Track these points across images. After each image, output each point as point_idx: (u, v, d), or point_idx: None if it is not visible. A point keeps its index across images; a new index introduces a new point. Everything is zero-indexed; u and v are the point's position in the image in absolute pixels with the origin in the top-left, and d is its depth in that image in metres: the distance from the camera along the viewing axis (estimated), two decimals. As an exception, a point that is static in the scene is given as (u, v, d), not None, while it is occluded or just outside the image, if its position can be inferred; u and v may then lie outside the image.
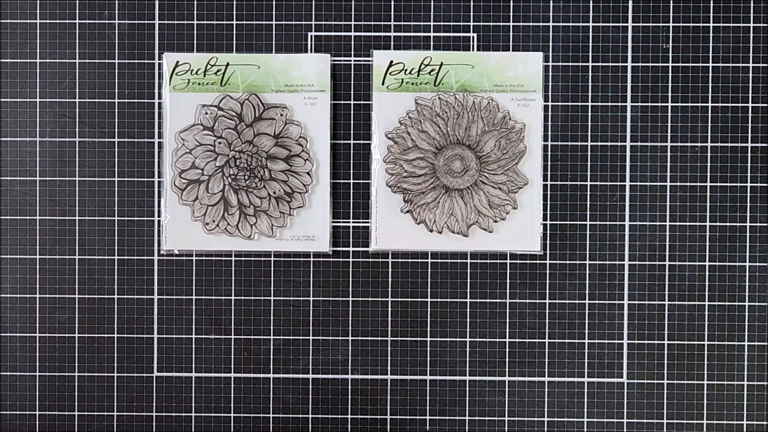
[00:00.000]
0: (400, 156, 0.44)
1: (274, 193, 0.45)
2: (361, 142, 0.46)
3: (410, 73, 0.45)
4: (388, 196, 0.45)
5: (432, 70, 0.45)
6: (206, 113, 0.44)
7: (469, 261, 0.46)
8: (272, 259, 0.46)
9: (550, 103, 0.45)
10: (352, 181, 0.46)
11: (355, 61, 0.46)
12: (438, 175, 0.44)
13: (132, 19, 0.46)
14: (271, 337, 0.46)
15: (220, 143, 0.44)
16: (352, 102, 0.46)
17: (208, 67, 0.45)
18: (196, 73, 0.45)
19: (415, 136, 0.44)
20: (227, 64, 0.45)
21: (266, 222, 0.45)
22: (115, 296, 0.46)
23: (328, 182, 0.45)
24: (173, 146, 0.45)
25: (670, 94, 0.45)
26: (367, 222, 0.46)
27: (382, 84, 0.45)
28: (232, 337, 0.46)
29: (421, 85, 0.45)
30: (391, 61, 0.45)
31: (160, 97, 0.46)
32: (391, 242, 0.45)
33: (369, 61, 0.45)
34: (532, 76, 0.45)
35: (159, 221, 0.46)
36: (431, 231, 0.44)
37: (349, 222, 0.46)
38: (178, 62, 0.45)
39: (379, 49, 0.45)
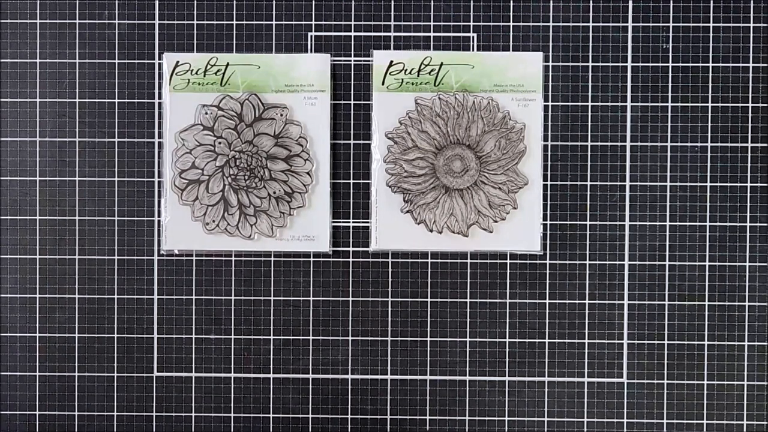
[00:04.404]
0: (400, 156, 0.44)
1: (274, 193, 0.45)
2: (361, 142, 0.46)
3: (410, 73, 0.45)
4: (388, 196, 0.45)
5: (432, 70, 0.45)
6: (206, 113, 0.44)
7: (469, 261, 0.46)
8: (272, 259, 0.46)
9: (550, 103, 0.45)
10: (352, 181, 0.46)
11: (355, 61, 0.46)
12: (438, 175, 0.44)
13: (132, 19, 0.46)
14: (271, 337, 0.46)
15: (220, 143, 0.44)
16: (352, 102, 0.46)
17: (208, 67, 0.45)
18: (196, 73, 0.45)
19: (415, 136, 0.44)
20: (227, 64, 0.45)
21: (266, 222, 0.45)
22: (115, 296, 0.46)
23: (328, 182, 0.45)
24: (173, 146, 0.45)
25: (670, 94, 0.45)
26: (367, 222, 0.46)
27: (382, 84, 0.45)
28: (232, 337, 0.46)
29: (421, 85, 0.45)
30: (391, 61, 0.45)
31: (160, 97, 0.46)
32: (391, 242, 0.45)
33: (369, 61, 0.45)
34: (532, 76, 0.45)
35: (159, 221, 0.46)
36: (431, 231, 0.44)
37: (349, 222, 0.46)
38: (178, 62, 0.45)
39: (379, 49, 0.45)
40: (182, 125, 0.45)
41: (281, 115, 0.45)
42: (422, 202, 0.44)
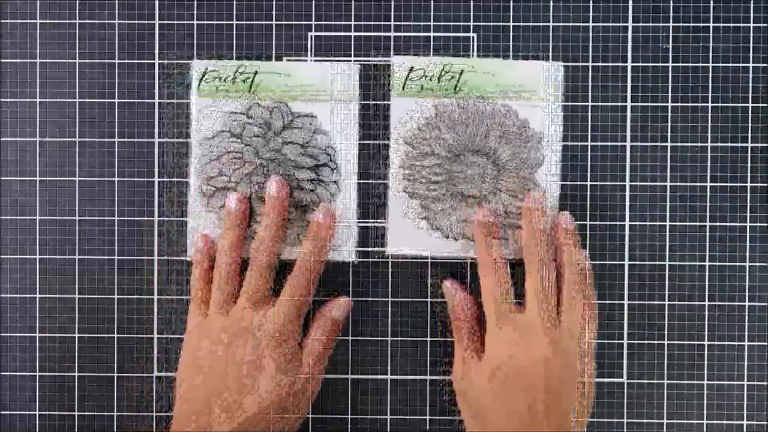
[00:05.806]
0: (417, 162, 0.44)
1: (301, 202, 0.44)
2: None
3: (430, 79, 0.44)
4: (405, 201, 0.44)
5: (452, 77, 0.44)
6: (234, 121, 0.44)
7: (469, 261, 0.46)
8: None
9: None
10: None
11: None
12: (455, 182, 0.44)
13: (132, 19, 0.46)
14: (272, 337, 0.46)
15: (247, 151, 0.44)
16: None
17: (237, 74, 0.44)
18: (225, 80, 0.44)
19: (432, 142, 0.44)
20: (256, 72, 0.44)
21: (292, 231, 0.45)
22: (115, 296, 0.46)
23: (355, 192, 0.45)
24: (199, 153, 0.44)
25: (670, 94, 0.45)
26: (384, 223, 0.45)
27: (402, 90, 0.44)
28: (233, 337, 0.46)
29: (440, 91, 0.44)
30: (412, 67, 0.44)
31: (160, 98, 0.46)
32: (407, 247, 0.45)
33: (388, 61, 0.45)
34: (553, 86, 0.44)
35: (159, 221, 0.46)
36: (447, 237, 0.44)
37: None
38: (207, 69, 0.44)
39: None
40: (209, 132, 0.44)
41: (309, 124, 0.44)
42: (438, 208, 0.44)
